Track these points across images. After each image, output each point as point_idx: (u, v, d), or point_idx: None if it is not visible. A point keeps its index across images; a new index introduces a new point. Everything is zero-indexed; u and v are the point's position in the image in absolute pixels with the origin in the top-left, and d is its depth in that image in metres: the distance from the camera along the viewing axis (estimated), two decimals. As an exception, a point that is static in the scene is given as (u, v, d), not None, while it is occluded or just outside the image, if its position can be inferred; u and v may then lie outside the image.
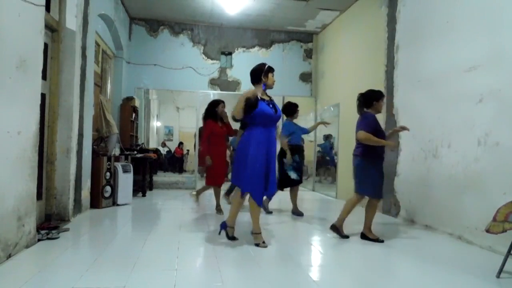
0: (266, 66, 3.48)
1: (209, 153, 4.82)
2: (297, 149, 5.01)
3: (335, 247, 3.57)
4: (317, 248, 3.53)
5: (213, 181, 4.94)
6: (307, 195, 7.51)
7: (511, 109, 3.32)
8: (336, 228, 3.76)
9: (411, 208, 4.70)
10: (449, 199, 4.01)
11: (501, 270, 2.68)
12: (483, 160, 3.59)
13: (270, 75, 3.47)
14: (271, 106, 3.44)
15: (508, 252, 2.68)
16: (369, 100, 3.76)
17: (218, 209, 4.98)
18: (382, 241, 3.65)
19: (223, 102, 5.00)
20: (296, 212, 5.08)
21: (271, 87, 3.52)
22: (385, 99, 3.92)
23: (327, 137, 8.55)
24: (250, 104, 3.30)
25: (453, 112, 4.03)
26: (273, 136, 3.44)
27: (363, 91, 3.89)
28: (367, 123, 3.65)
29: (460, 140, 3.91)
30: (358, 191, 3.73)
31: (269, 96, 3.54)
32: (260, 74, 3.46)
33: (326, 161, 8.80)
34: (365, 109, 3.78)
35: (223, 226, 3.57)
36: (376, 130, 3.64)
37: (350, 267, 2.95)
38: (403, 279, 2.72)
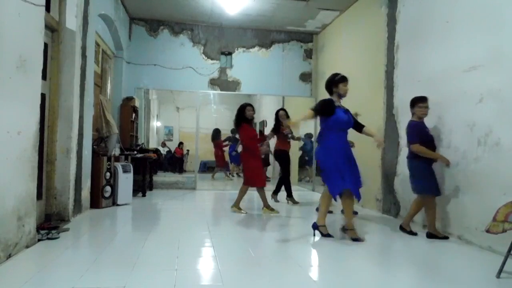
0: (337, 77, 3.73)
1: (256, 151, 5.06)
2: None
3: (335, 247, 3.57)
4: (317, 248, 3.53)
5: (256, 183, 5.04)
6: (307, 195, 7.50)
7: (511, 109, 3.32)
8: (404, 228, 4.01)
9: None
10: (449, 199, 4.01)
11: (501, 270, 2.68)
12: (483, 160, 3.59)
13: (340, 85, 3.70)
14: (345, 113, 3.74)
15: (508, 252, 2.68)
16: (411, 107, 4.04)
17: (270, 208, 5.07)
18: (447, 238, 3.86)
19: (250, 105, 5.11)
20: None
21: (344, 96, 3.76)
22: (423, 103, 3.98)
23: (309, 137, 8.55)
24: (326, 110, 3.66)
25: (453, 112, 4.03)
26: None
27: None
28: (411, 133, 3.91)
29: (460, 140, 3.91)
30: (421, 191, 3.91)
31: (343, 106, 3.79)
32: (330, 85, 3.76)
33: (306, 161, 8.80)
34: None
35: (315, 226, 3.75)
36: (421, 136, 3.88)
37: (350, 267, 2.95)
38: (402, 279, 2.72)
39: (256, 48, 8.33)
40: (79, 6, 4.30)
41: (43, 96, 3.71)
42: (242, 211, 5.04)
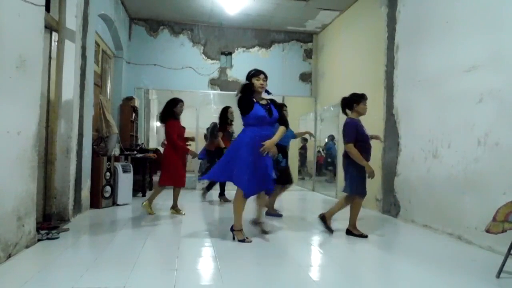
0: (251, 72, 3.62)
1: (184, 151, 4.92)
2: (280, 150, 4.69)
3: (335, 247, 3.57)
4: (317, 248, 3.53)
5: (176, 182, 4.85)
6: (307, 195, 7.51)
7: (511, 109, 3.32)
8: (325, 222, 3.98)
9: (411, 208, 4.70)
10: (449, 199, 4.01)
11: (501, 270, 2.68)
12: (483, 160, 3.59)
13: (254, 79, 3.56)
14: (266, 109, 3.53)
15: (508, 252, 2.68)
16: (347, 104, 4.01)
17: (177, 209, 4.95)
18: (366, 236, 3.78)
19: (182, 101, 4.89)
20: (271, 213, 4.91)
21: (258, 91, 3.57)
22: (366, 101, 3.97)
23: (332, 138, 8.52)
24: (245, 105, 3.47)
25: (453, 112, 4.03)
26: (268, 136, 3.48)
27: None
28: (348, 131, 3.82)
29: (460, 140, 3.91)
30: (350, 192, 3.87)
31: (267, 100, 3.63)
32: (247, 77, 3.62)
33: (329, 163, 8.77)
34: (347, 113, 4.01)
35: (232, 229, 3.56)
36: (357, 136, 3.77)
37: (350, 267, 2.95)
38: (402, 279, 2.72)
39: (256, 48, 8.33)
40: (79, 6, 4.29)
41: (43, 96, 3.71)
42: (153, 212, 4.82)
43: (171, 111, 4.80)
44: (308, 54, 8.57)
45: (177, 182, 4.85)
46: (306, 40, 8.54)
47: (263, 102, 3.59)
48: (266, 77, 3.59)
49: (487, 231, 2.76)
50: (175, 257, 2.94)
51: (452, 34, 4.10)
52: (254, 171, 3.40)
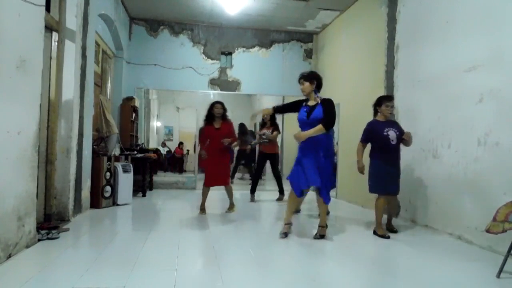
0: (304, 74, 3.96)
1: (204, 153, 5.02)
2: None
3: (335, 247, 3.57)
4: (317, 248, 3.53)
5: (205, 182, 4.98)
6: (307, 196, 7.49)
7: (511, 109, 3.32)
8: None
9: (411, 208, 4.70)
10: (449, 199, 4.01)
11: (501, 270, 2.68)
12: (483, 160, 3.59)
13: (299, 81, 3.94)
14: (306, 111, 3.74)
15: (508, 252, 2.68)
16: (374, 106, 4.17)
17: (202, 209, 5.01)
18: (388, 237, 3.84)
19: (218, 102, 4.98)
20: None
21: (304, 93, 3.88)
22: (390, 102, 4.10)
23: None
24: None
25: (453, 112, 4.03)
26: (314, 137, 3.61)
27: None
28: (363, 131, 4.10)
29: (460, 140, 3.91)
30: (370, 190, 4.11)
31: (318, 100, 3.80)
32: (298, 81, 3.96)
33: None
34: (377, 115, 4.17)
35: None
36: (371, 136, 4.01)
37: (350, 267, 2.95)
38: (403, 279, 2.72)
39: (256, 48, 8.32)
40: (79, 6, 4.30)
41: (43, 96, 3.71)
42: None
43: (210, 114, 4.98)
44: (308, 54, 8.57)
45: (218, 181, 4.97)
46: (306, 40, 8.54)
47: (311, 103, 3.77)
48: (305, 80, 3.83)
49: (487, 231, 2.76)
50: (175, 257, 2.95)
51: (452, 34, 4.10)
52: (300, 169, 3.60)
